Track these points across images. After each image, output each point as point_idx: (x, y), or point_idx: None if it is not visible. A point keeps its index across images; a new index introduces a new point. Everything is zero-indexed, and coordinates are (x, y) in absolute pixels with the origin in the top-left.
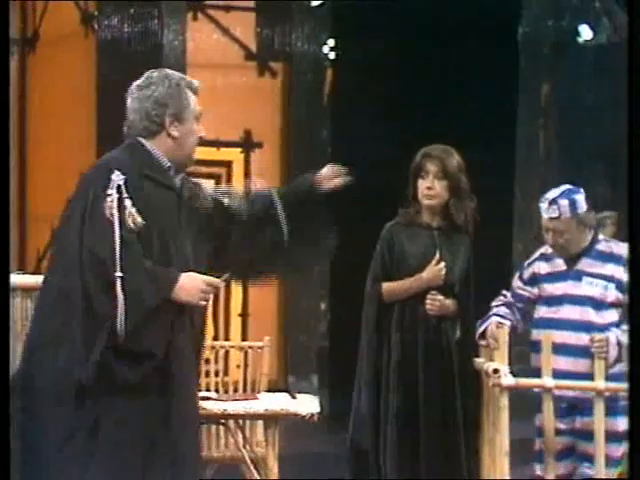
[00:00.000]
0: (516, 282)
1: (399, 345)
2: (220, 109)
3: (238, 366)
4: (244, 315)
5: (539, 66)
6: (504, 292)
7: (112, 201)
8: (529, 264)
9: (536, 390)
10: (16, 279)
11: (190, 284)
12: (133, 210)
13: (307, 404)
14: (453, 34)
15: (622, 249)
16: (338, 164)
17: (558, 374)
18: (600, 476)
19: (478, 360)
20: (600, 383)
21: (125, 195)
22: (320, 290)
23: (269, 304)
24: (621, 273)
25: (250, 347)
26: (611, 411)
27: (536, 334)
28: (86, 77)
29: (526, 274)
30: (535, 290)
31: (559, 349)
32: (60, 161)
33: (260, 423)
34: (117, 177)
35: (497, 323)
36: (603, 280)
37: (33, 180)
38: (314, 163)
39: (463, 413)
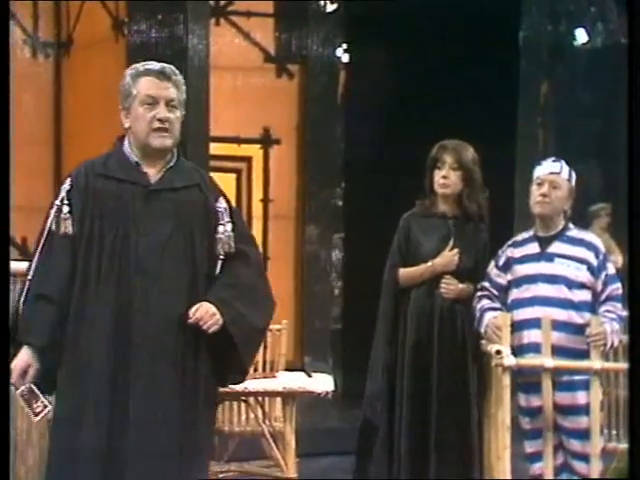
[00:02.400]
0: (492, 269)
1: (415, 327)
2: (241, 108)
3: None
4: None
5: (538, 67)
6: (480, 284)
7: (52, 211)
8: (503, 251)
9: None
10: (17, 266)
11: None
12: (67, 216)
13: (322, 382)
14: (459, 38)
15: (592, 237)
16: (350, 160)
17: (533, 348)
18: (596, 452)
19: (482, 342)
20: (596, 363)
21: (65, 202)
22: (334, 277)
23: (286, 290)
24: (591, 257)
25: (269, 329)
26: (573, 385)
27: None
28: (117, 79)
29: (501, 260)
30: (509, 276)
31: (533, 324)
32: (94, 155)
33: (278, 400)
34: (65, 185)
35: (493, 318)
36: (575, 262)
37: None
38: (328, 158)
39: (476, 392)
